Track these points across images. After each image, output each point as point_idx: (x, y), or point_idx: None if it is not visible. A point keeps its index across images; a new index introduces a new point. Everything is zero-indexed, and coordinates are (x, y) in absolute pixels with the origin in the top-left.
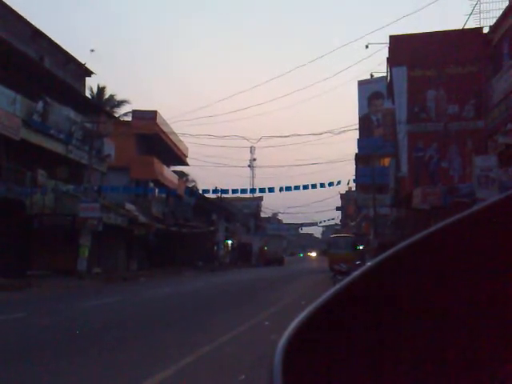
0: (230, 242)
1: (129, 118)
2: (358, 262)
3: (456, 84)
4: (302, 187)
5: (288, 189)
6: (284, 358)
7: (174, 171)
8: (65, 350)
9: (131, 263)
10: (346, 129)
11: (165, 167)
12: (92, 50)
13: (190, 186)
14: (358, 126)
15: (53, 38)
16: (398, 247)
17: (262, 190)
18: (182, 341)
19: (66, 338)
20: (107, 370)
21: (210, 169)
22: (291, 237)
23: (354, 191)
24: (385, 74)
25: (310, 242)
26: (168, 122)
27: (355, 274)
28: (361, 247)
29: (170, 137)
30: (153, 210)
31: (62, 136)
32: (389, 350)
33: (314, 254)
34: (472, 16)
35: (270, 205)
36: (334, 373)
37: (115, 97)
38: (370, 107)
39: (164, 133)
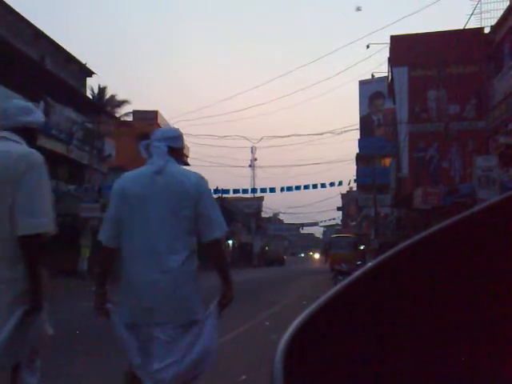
0: (230, 242)
1: (130, 118)
2: (358, 262)
3: (457, 84)
4: (302, 187)
5: (289, 189)
6: (285, 357)
7: None
8: (64, 349)
9: None
10: (346, 129)
11: None
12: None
13: None
14: (358, 126)
15: (54, 39)
16: (398, 247)
17: (263, 190)
18: None
19: (66, 337)
20: (106, 369)
21: (211, 169)
22: (292, 237)
23: (354, 191)
24: (386, 74)
25: (310, 242)
26: (169, 122)
27: (356, 274)
28: (362, 247)
29: None
30: None
31: (62, 136)
32: (389, 350)
33: (317, 256)
34: (473, 16)
35: (271, 205)
36: (335, 372)
37: (116, 97)
38: (371, 107)
39: None
